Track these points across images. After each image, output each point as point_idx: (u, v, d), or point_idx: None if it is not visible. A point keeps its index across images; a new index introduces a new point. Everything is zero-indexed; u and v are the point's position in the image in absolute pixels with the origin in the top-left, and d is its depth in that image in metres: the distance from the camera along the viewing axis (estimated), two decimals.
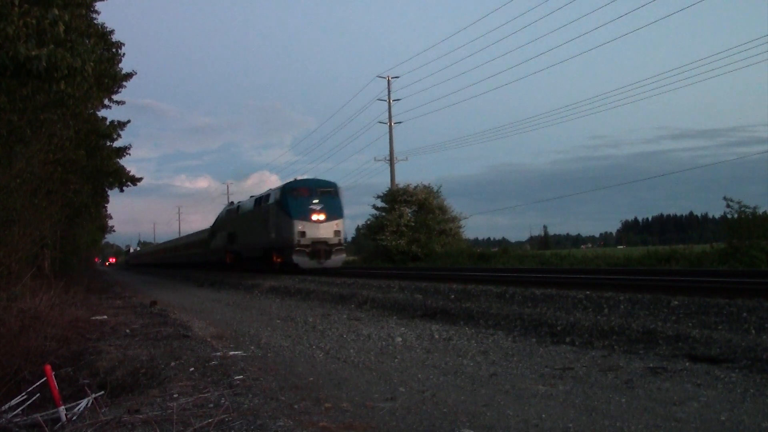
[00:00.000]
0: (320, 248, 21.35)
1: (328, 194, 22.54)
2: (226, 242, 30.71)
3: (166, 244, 64.46)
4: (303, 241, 21.24)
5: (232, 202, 33.85)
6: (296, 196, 22.10)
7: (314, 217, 21.59)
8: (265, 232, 23.84)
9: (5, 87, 8.71)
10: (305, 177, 24.53)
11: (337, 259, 22.06)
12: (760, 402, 4.16)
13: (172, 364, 5.83)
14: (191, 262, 42.23)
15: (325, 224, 21.69)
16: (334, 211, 22.18)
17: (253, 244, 26.08)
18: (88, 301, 13.72)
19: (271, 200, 23.60)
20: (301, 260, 21.13)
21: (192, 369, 5.51)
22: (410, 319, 9.50)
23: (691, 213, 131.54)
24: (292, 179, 23.93)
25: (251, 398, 4.34)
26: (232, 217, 30.19)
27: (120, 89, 16.30)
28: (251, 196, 28.28)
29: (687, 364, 5.34)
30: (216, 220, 34.75)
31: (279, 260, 22.89)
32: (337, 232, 21.94)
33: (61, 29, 7.70)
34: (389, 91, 38.06)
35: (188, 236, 49.38)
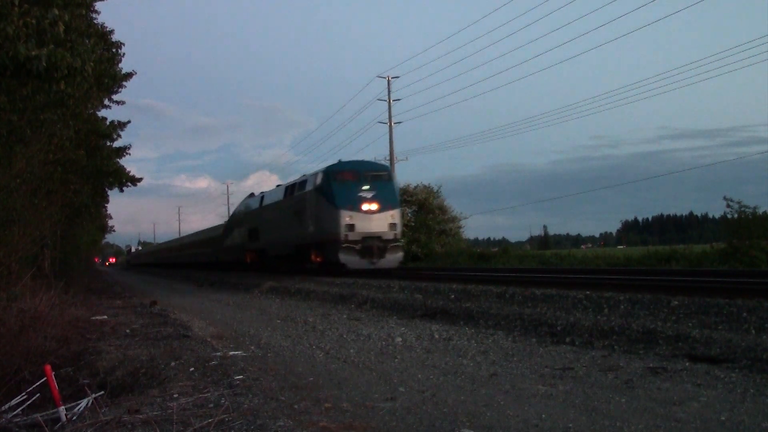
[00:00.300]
0: (373, 245, 17.79)
1: (380, 179, 18.95)
2: (245, 239, 26.87)
3: (171, 242, 62.11)
4: (351, 236, 17.69)
5: (252, 193, 29.04)
6: (342, 181, 18.50)
7: (365, 206, 18.03)
8: (301, 226, 20.12)
9: (5, 87, 8.71)
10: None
11: (393, 258, 18.40)
12: (760, 402, 4.16)
13: (172, 364, 5.83)
14: (200, 263, 38.59)
15: (378, 215, 18.13)
16: (388, 199, 18.58)
17: (282, 240, 22.18)
18: (88, 301, 13.72)
19: (309, 187, 19.81)
20: (349, 259, 17.69)
21: (192, 369, 5.51)
22: (410, 319, 9.50)
23: (691, 213, 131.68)
24: (336, 161, 20.09)
25: (251, 398, 4.33)
26: (254, 210, 25.97)
27: (120, 89, 16.25)
28: (278, 185, 24.49)
29: (687, 364, 5.34)
30: (232, 214, 31.36)
31: (319, 259, 19.41)
32: (392, 225, 18.32)
33: (61, 29, 7.70)
34: (389, 91, 37.93)
35: (196, 234, 45.50)
